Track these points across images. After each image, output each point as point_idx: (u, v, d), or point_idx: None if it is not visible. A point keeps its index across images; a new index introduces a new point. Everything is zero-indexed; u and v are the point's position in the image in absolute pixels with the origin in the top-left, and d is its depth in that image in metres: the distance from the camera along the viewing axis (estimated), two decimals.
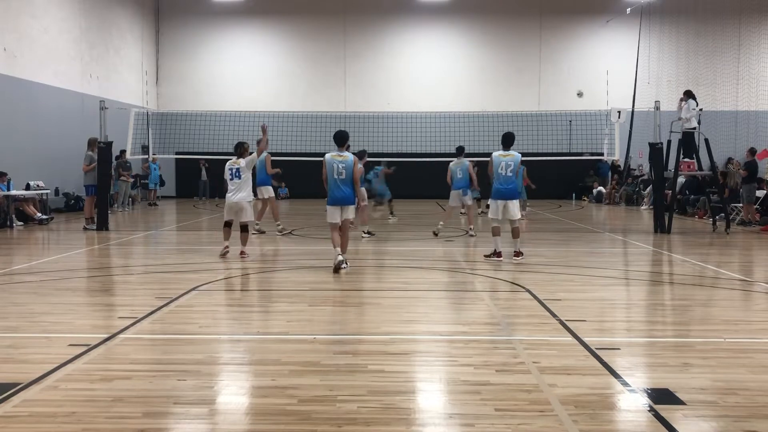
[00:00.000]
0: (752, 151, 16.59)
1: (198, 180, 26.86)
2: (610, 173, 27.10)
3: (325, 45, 28.50)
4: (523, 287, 8.07)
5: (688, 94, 15.04)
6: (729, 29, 27.31)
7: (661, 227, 14.45)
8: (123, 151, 18.68)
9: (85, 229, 14.93)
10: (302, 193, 24.97)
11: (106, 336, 5.67)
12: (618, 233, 14.97)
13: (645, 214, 20.16)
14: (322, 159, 9.48)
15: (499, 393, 4.30)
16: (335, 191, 9.21)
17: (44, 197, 17.63)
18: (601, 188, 26.83)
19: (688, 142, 14.98)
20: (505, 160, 10.26)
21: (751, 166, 16.17)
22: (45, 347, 5.39)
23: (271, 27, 28.64)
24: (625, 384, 4.49)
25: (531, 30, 28.50)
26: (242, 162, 10.32)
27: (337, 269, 9.02)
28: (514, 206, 10.29)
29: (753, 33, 27.34)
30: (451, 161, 13.94)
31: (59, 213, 19.14)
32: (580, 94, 18.56)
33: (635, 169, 26.48)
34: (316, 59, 28.54)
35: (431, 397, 4.38)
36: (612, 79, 27.14)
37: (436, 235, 13.47)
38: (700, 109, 16.36)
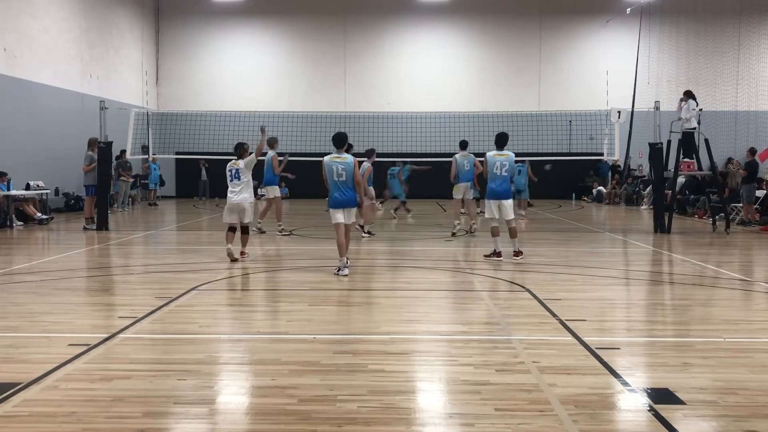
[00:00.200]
0: (752, 151, 16.59)
1: (198, 180, 26.86)
2: (610, 173, 27.11)
3: (325, 45, 28.51)
4: (523, 287, 8.07)
5: (688, 95, 15.03)
6: (729, 29, 27.31)
7: (661, 227, 14.45)
8: (123, 151, 18.69)
9: (85, 229, 14.93)
10: (302, 193, 24.97)
11: (106, 336, 5.67)
12: (618, 233, 14.97)
13: (645, 214, 20.16)
14: (321, 159, 9.33)
15: (499, 393, 4.30)
16: (336, 194, 9.07)
17: (44, 197, 17.63)
18: (601, 188, 26.83)
19: (688, 142, 14.98)
20: (500, 160, 10.26)
21: (751, 166, 16.18)
22: (45, 347, 5.39)
23: (271, 27, 28.65)
24: (625, 384, 4.49)
25: (531, 30, 28.51)
26: (241, 163, 10.26)
27: (338, 272, 8.91)
28: (509, 206, 10.31)
29: (753, 33, 27.34)
30: (455, 154, 13.93)
31: (59, 213, 19.14)
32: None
33: (635, 169, 26.49)
34: (316, 59, 28.54)
35: (431, 396, 4.38)
36: (612, 79, 27.14)
37: (454, 235, 13.53)
38: (700, 109, 16.35)
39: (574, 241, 13.53)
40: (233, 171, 10.23)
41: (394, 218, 17.54)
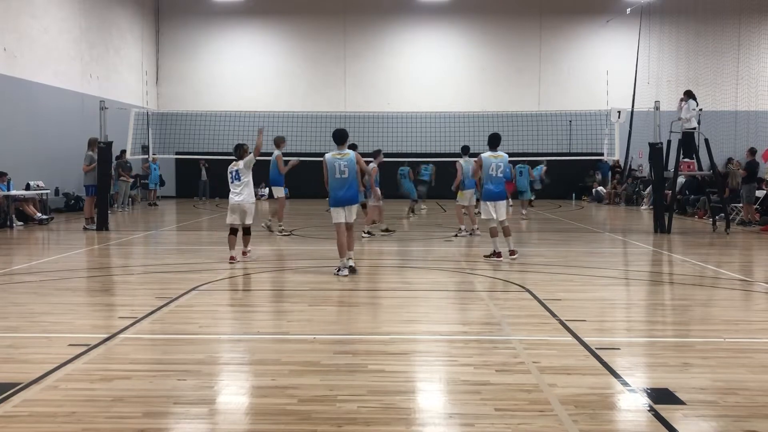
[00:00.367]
0: (752, 151, 16.58)
1: (198, 180, 26.86)
2: (610, 173, 27.08)
3: (325, 45, 28.51)
4: (523, 287, 8.07)
5: (688, 95, 15.03)
6: (729, 29, 27.31)
7: (661, 227, 14.45)
8: (123, 151, 18.68)
9: (85, 229, 14.93)
10: (302, 193, 24.95)
11: (106, 336, 5.67)
12: (618, 233, 14.97)
13: (645, 214, 20.16)
14: (322, 159, 9.10)
15: (499, 393, 4.30)
16: (338, 192, 8.88)
17: (44, 197, 17.64)
18: (600, 188, 26.82)
19: (688, 142, 14.98)
20: (496, 161, 10.26)
21: (751, 166, 16.17)
22: (45, 347, 5.39)
23: (271, 27, 28.65)
24: (625, 384, 4.49)
25: (531, 30, 28.51)
26: (241, 164, 10.23)
27: (338, 272, 8.83)
28: (503, 207, 10.38)
29: (753, 33, 27.34)
30: (458, 160, 13.92)
31: (59, 213, 19.15)
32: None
33: (636, 170, 26.47)
34: (316, 59, 28.54)
35: (431, 396, 4.38)
36: (612, 79, 27.13)
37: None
38: (700, 109, 16.35)
39: (574, 242, 13.53)
40: (233, 172, 10.20)
41: (409, 217, 17.93)
